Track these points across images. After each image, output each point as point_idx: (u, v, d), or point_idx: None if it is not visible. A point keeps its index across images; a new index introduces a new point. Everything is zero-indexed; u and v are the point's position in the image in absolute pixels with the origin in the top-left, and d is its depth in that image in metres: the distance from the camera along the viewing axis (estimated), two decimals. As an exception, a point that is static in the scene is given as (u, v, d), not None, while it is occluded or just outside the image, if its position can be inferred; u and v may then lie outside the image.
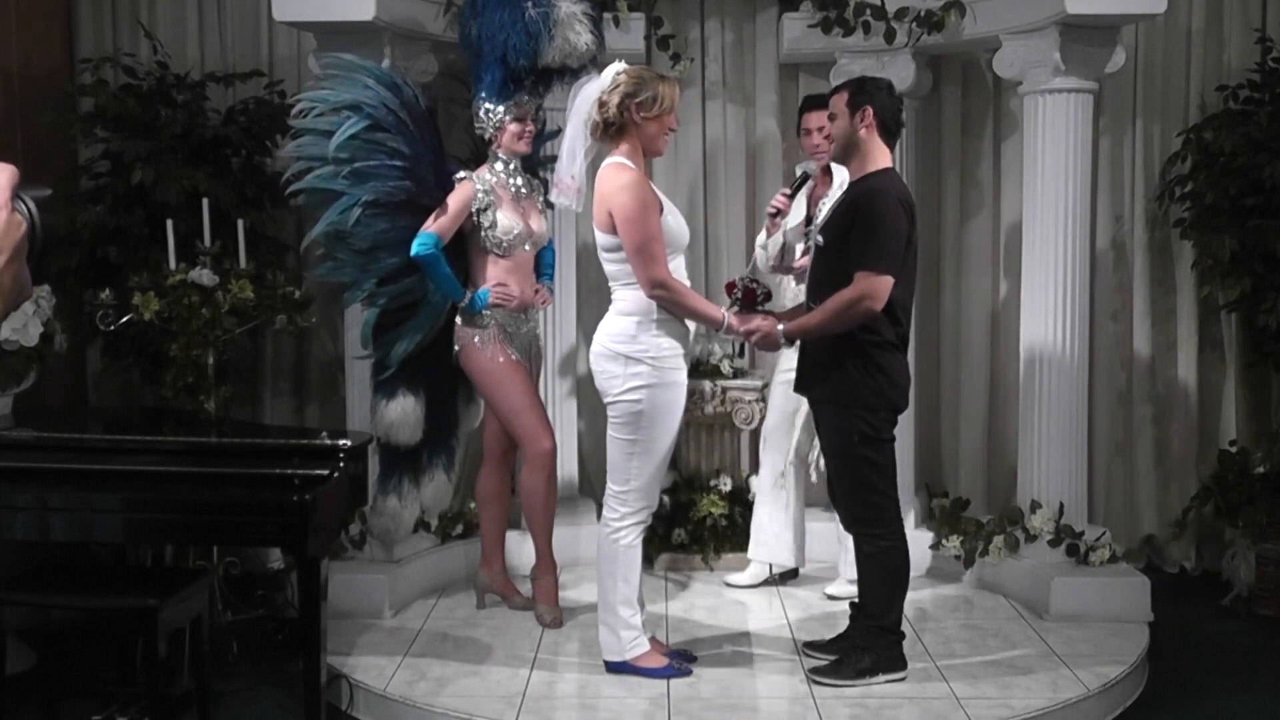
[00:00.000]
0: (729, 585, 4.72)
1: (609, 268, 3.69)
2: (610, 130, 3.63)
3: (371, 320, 4.24)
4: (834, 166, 4.53)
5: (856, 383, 3.62)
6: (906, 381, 3.73)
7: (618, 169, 3.61)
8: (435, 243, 4.10)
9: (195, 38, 5.36)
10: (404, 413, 4.25)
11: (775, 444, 4.61)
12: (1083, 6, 4.25)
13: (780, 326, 3.69)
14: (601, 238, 3.65)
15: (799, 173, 4.42)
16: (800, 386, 3.88)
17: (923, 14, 4.71)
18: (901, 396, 3.71)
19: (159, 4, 5.37)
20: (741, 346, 3.94)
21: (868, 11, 4.78)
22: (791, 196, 4.38)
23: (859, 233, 3.55)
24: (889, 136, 3.69)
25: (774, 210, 4.37)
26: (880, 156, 3.68)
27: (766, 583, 4.73)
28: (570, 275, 5.05)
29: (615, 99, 3.59)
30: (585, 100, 3.65)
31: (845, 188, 3.82)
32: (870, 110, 3.63)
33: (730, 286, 3.87)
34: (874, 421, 3.65)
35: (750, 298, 3.78)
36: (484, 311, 4.23)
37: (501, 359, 4.24)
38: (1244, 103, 4.97)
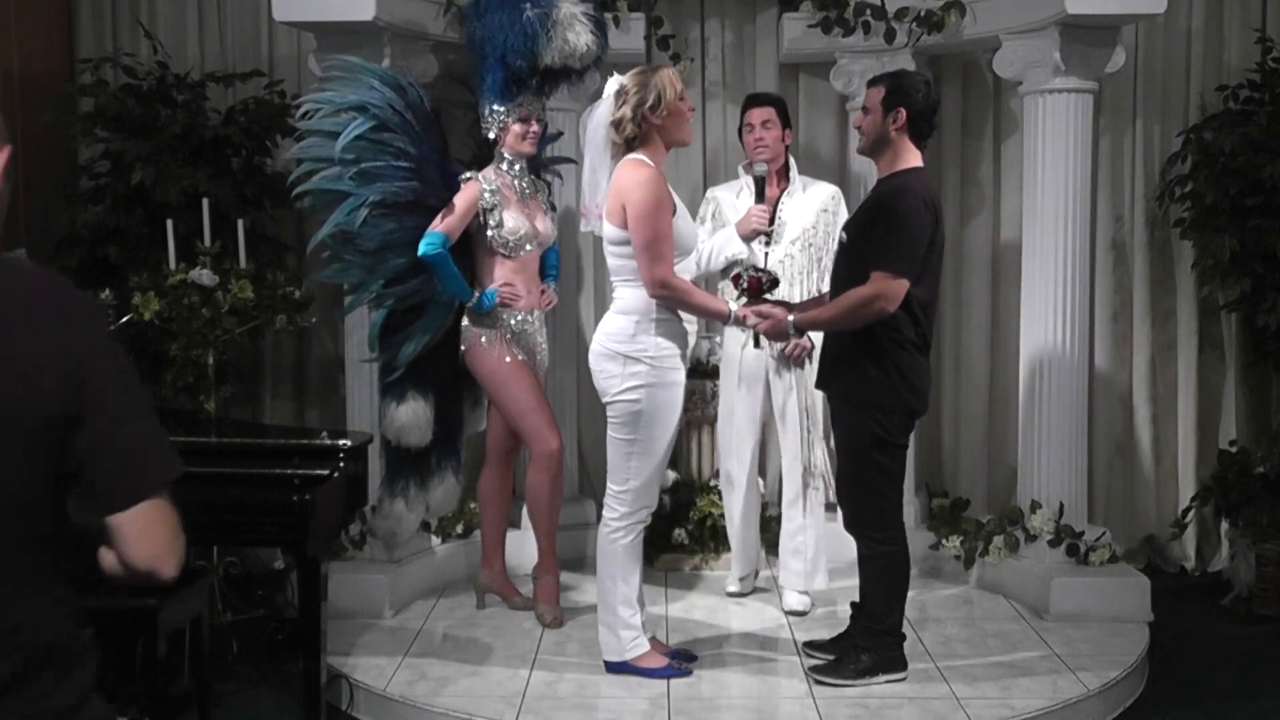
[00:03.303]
0: (730, 594, 4.69)
1: (613, 262, 3.68)
2: (633, 145, 3.62)
3: (379, 322, 4.24)
4: (792, 165, 4.53)
5: (874, 382, 3.61)
6: (925, 385, 3.70)
7: (636, 165, 3.60)
8: (443, 242, 4.10)
9: (195, 38, 5.36)
10: (415, 415, 4.25)
11: (751, 453, 4.56)
12: (1083, 6, 4.25)
13: (791, 317, 3.69)
14: (611, 230, 3.64)
15: (755, 175, 4.30)
16: (820, 383, 3.87)
17: (923, 14, 4.71)
18: (918, 399, 3.67)
19: (159, 4, 5.37)
20: (757, 338, 3.91)
21: (868, 11, 4.78)
22: (759, 201, 4.30)
23: (880, 232, 3.54)
24: (920, 138, 3.68)
25: (767, 232, 4.29)
26: (910, 156, 3.67)
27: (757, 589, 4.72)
28: (572, 276, 5.06)
29: (628, 113, 3.57)
30: (598, 127, 3.65)
31: (872, 186, 3.80)
32: (904, 113, 3.61)
33: (736, 279, 3.87)
34: (887, 424, 3.63)
35: (756, 287, 3.77)
36: (491, 312, 4.23)
37: (508, 359, 4.24)
38: (1244, 103, 4.97)
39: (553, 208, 4.55)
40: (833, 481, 4.42)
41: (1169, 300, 5.31)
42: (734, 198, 4.55)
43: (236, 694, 3.97)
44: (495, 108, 4.27)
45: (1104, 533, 4.63)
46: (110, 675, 3.82)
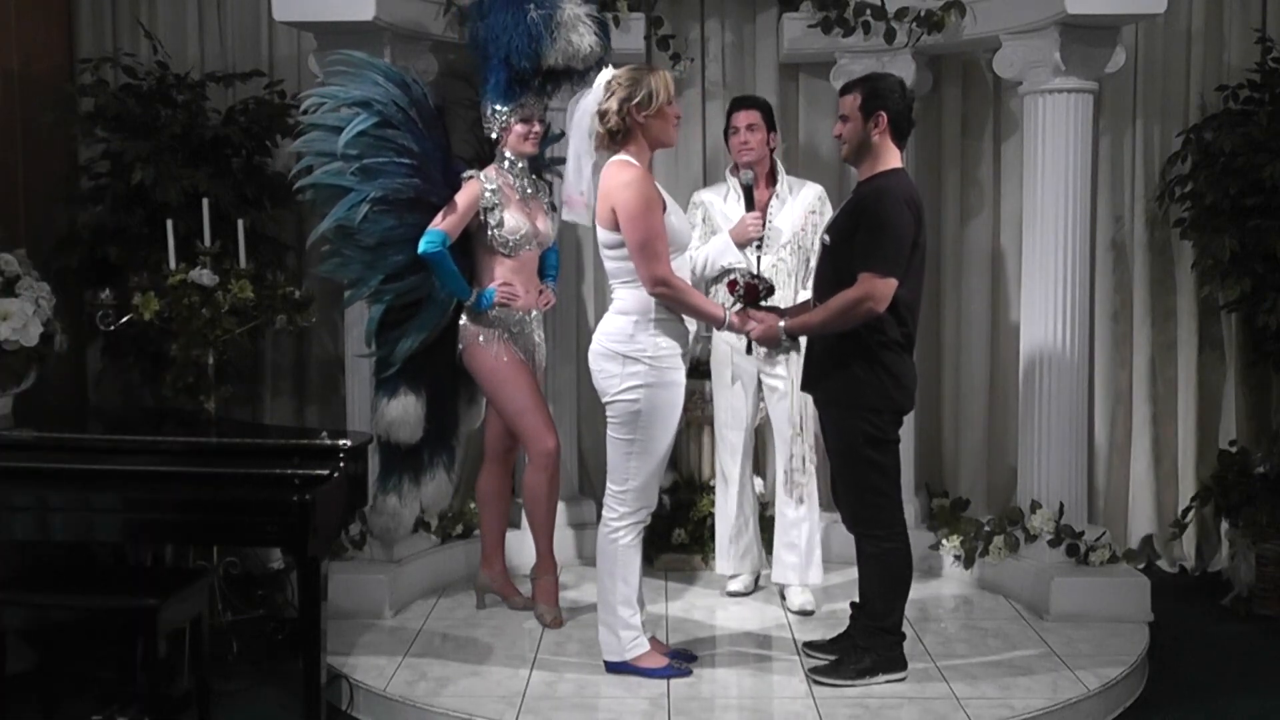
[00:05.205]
0: (730, 594, 4.69)
1: (610, 265, 3.69)
2: (616, 138, 3.63)
3: (376, 318, 4.24)
4: (779, 168, 4.53)
5: (862, 383, 3.62)
6: (912, 382, 3.73)
7: (621, 166, 3.61)
8: (443, 240, 4.11)
9: (195, 38, 5.36)
10: (405, 411, 4.26)
11: (743, 450, 4.58)
12: (1083, 6, 4.25)
13: (781, 323, 3.70)
14: (604, 234, 3.65)
15: (744, 183, 4.33)
16: (806, 385, 3.88)
17: (923, 14, 4.72)
18: (907, 398, 3.70)
19: (159, 4, 5.38)
20: (749, 344, 3.93)
21: (868, 11, 4.78)
22: (750, 208, 4.31)
23: (864, 234, 3.55)
24: (900, 138, 3.68)
25: (759, 236, 4.29)
26: (890, 157, 3.67)
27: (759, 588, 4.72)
28: (572, 276, 5.06)
29: (614, 106, 3.59)
30: (584, 114, 3.66)
31: (855, 187, 3.80)
32: (884, 115, 3.62)
33: (733, 285, 3.87)
34: (879, 423, 3.65)
35: (753, 294, 3.78)
36: (489, 311, 4.23)
37: (506, 358, 4.25)
38: (1244, 103, 4.97)
39: (553, 208, 4.55)
40: (813, 476, 4.44)
41: (1169, 300, 5.31)
42: (721, 201, 4.55)
43: (236, 694, 3.97)
44: (497, 108, 4.28)
45: (1104, 533, 4.63)
46: (110, 675, 3.84)
